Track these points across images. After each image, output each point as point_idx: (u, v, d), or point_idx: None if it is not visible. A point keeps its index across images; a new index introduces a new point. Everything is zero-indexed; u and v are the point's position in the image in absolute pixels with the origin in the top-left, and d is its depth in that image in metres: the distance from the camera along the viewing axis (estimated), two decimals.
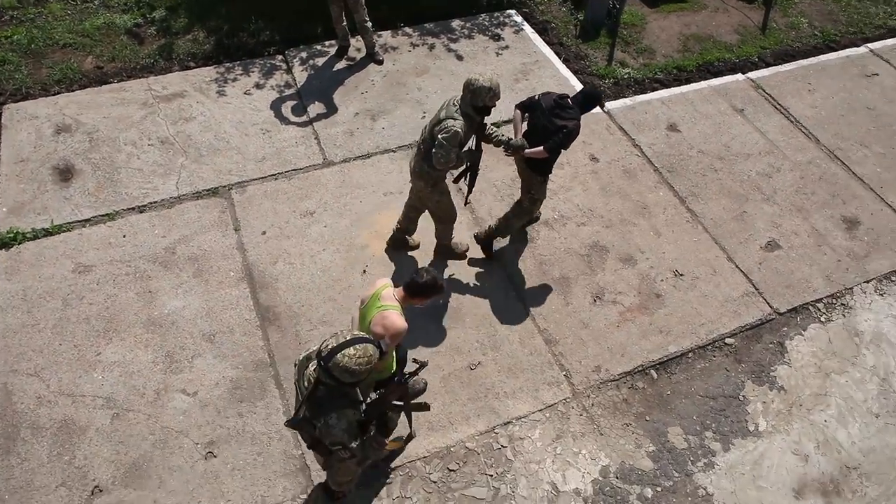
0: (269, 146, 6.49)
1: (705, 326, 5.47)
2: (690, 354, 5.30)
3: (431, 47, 7.79)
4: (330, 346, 2.96)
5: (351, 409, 3.11)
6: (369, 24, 7.19)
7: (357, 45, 7.56)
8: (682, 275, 5.78)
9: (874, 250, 6.18)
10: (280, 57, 7.51)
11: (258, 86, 7.12)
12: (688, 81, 7.79)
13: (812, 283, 5.87)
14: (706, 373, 5.22)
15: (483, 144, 5.07)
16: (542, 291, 5.58)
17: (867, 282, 5.94)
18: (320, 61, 7.49)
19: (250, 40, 7.66)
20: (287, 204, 6.00)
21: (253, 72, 7.28)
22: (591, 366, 5.12)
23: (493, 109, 4.78)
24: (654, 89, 7.63)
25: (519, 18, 8.37)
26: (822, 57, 8.35)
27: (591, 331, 5.35)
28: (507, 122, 6.64)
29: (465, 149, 4.88)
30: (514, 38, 8.07)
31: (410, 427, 3.61)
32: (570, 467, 4.61)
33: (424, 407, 3.55)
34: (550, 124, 4.90)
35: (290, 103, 6.96)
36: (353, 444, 3.15)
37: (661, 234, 6.10)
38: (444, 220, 5.35)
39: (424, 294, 3.73)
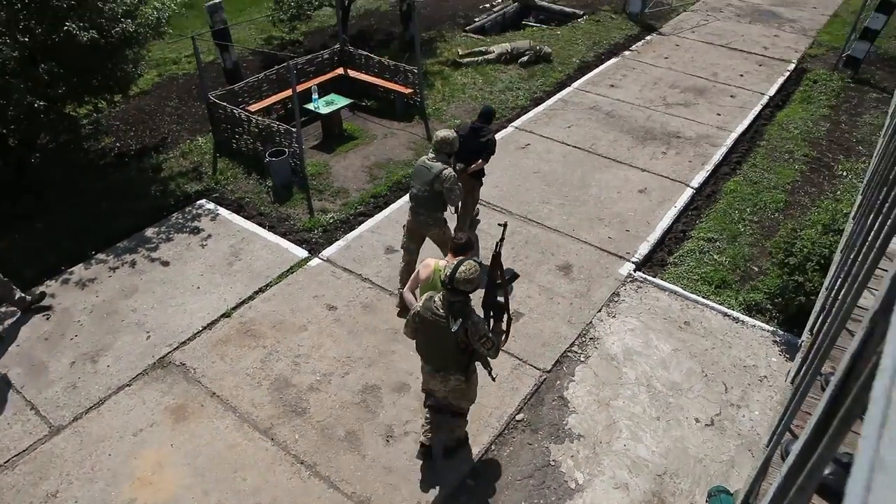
0: None
1: (494, 415, 5.68)
2: (493, 447, 5.44)
3: (133, 264, 7.41)
4: (447, 274, 4.15)
5: (476, 312, 4.37)
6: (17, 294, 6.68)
7: (49, 292, 6.90)
8: None
9: (592, 283, 7.05)
10: None
11: None
12: (387, 204, 8.40)
13: (561, 333, 6.47)
14: (514, 456, 5.37)
15: None
16: (335, 455, 5.36)
17: (598, 311, 6.71)
18: (7, 322, 6.69)
19: None
20: (20, 498, 5.08)
21: None
22: None
23: None
24: (360, 223, 8.07)
25: (212, 205, 8.39)
26: None
27: (396, 473, 5.23)
28: None
29: None
30: (214, 224, 8.04)
31: (509, 314, 4.63)
32: None
33: (515, 276, 4.93)
34: (475, 144, 6.71)
35: None
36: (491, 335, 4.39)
37: None
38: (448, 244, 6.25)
39: (468, 250, 4.95)
